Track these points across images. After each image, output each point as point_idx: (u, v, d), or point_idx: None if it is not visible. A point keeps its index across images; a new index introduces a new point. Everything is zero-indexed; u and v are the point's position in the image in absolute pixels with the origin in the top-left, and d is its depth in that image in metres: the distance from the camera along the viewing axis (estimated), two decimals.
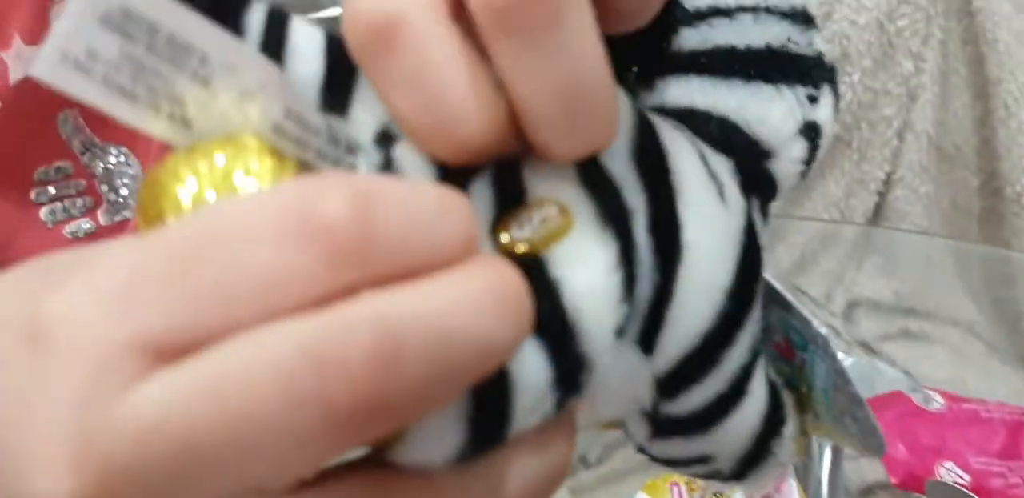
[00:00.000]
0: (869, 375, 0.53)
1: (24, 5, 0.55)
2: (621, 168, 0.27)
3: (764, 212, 0.32)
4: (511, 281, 0.22)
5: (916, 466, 0.58)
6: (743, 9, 0.31)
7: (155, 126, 0.23)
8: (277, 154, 0.24)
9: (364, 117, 0.27)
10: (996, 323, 0.97)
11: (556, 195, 0.26)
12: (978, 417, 0.48)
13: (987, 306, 0.97)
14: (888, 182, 0.98)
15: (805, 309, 0.34)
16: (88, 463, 0.20)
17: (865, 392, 0.46)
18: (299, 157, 0.24)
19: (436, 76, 0.24)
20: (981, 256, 0.94)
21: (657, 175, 0.28)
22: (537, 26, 0.23)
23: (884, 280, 0.98)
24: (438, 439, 0.24)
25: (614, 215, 0.26)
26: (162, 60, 0.22)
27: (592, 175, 0.27)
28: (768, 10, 0.31)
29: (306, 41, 0.27)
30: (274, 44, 0.27)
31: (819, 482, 0.54)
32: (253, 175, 0.23)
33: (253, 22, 0.27)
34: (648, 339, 0.28)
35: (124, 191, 0.63)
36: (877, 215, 1.00)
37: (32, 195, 0.60)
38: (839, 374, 0.33)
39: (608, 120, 0.25)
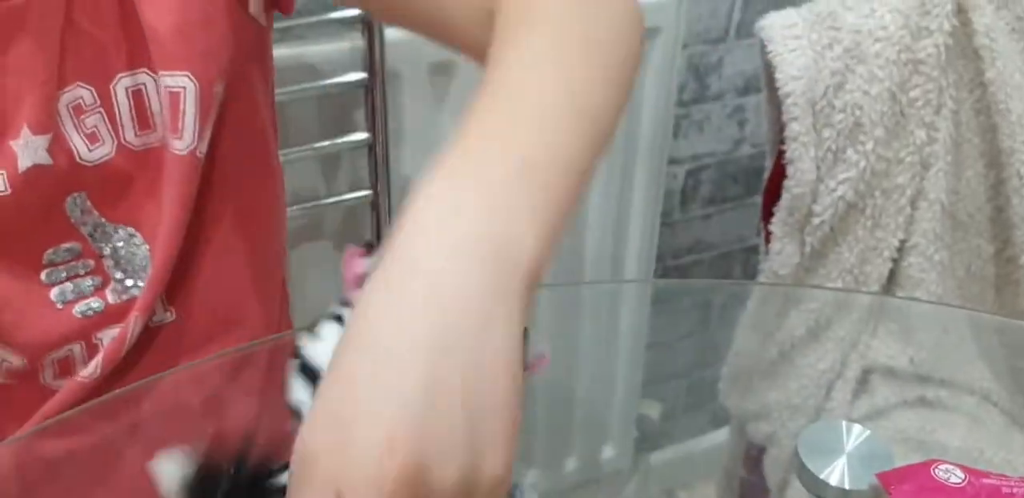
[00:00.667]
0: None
1: (32, 96, 0.57)
2: None
3: None
4: None
5: None
6: None
7: None
8: None
9: None
10: (1013, 392, 0.97)
11: None
12: (999, 493, 0.47)
13: (1004, 374, 0.96)
14: (902, 249, 0.98)
15: None
16: None
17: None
18: None
19: None
20: (997, 325, 0.94)
21: None
22: None
23: (899, 347, 0.98)
24: None
25: None
26: None
27: None
28: None
29: None
30: None
31: None
32: None
33: None
34: None
35: (131, 271, 0.63)
36: (891, 282, 1.00)
37: (42, 276, 0.61)
38: None
39: None
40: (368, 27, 0.94)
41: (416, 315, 0.37)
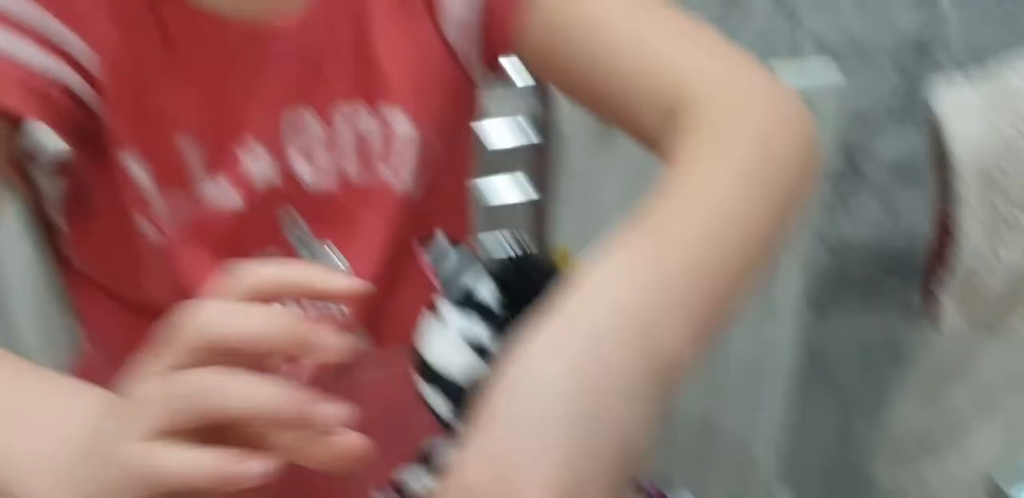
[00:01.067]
0: None
1: (262, 113, 0.62)
2: None
3: None
4: None
5: None
6: None
7: None
8: None
9: None
10: None
11: None
12: None
13: None
14: None
15: None
16: None
17: None
18: None
19: None
20: None
21: None
22: None
23: None
24: None
25: None
26: None
27: None
28: None
29: None
30: None
31: None
32: None
33: None
34: None
35: None
36: None
37: None
38: None
39: None
40: (544, 94, 1.00)
41: (572, 374, 0.38)
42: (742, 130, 0.53)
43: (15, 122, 0.57)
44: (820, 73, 1.06)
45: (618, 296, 0.40)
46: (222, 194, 0.63)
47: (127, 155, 0.61)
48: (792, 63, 1.11)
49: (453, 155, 0.71)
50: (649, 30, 0.60)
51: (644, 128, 0.59)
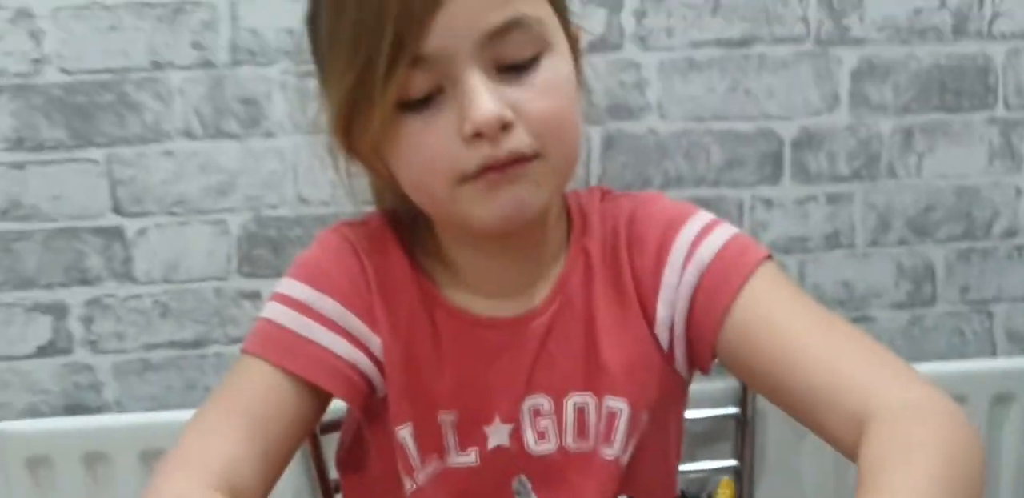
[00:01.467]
0: None
1: (506, 396, 0.78)
2: None
3: None
4: None
5: None
6: None
7: None
8: None
9: None
10: None
11: None
12: None
13: None
14: None
15: None
16: None
17: None
18: None
19: None
20: None
21: None
22: None
23: None
24: None
25: None
26: None
27: None
28: None
29: None
30: None
31: None
32: None
33: None
34: None
35: None
36: None
37: None
38: None
39: None
40: None
41: None
42: (929, 443, 0.61)
43: (326, 398, 0.75)
44: None
45: None
46: (464, 454, 0.78)
47: (402, 428, 0.77)
48: None
49: (664, 429, 0.83)
50: (836, 346, 0.70)
51: (832, 432, 0.67)
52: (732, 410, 1.13)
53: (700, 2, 1.13)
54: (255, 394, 0.74)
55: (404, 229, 0.80)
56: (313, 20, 0.73)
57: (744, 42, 1.15)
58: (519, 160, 0.67)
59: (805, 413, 0.71)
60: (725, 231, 0.75)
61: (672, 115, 1.15)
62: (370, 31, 0.66)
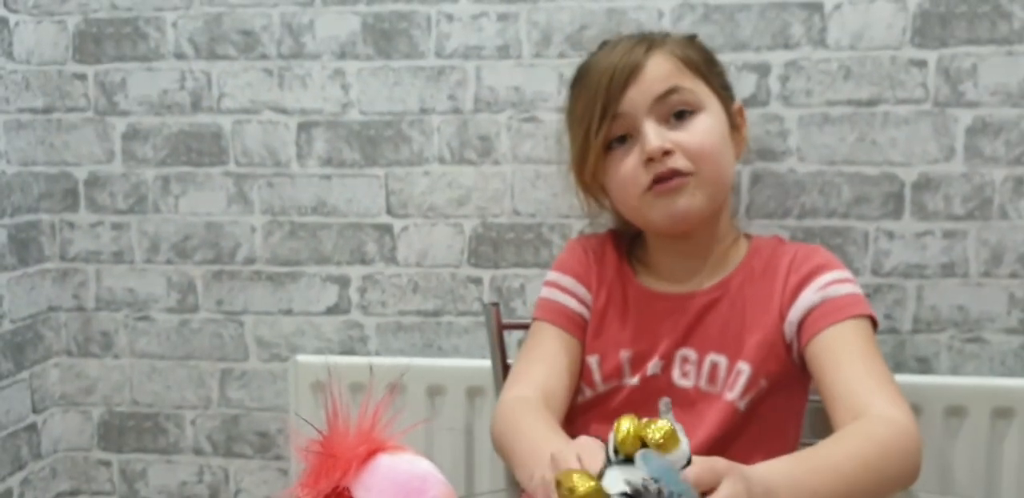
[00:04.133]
0: None
1: (664, 347, 1.14)
2: None
3: None
4: None
5: None
6: None
7: None
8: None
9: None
10: None
11: None
12: None
13: None
14: None
15: None
16: None
17: None
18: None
19: None
20: None
21: None
22: None
23: None
24: None
25: None
26: None
27: None
28: None
29: None
30: None
31: None
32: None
33: None
34: None
35: None
36: None
37: None
38: None
39: None
40: None
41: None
42: (874, 437, 0.93)
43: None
44: None
45: (773, 478, 0.80)
46: (632, 377, 1.13)
47: (591, 357, 1.15)
48: None
49: (787, 397, 1.12)
50: (862, 373, 1.01)
51: (836, 423, 0.99)
52: None
53: (835, 69, 1.40)
54: (541, 338, 1.17)
55: (623, 240, 1.20)
56: (566, 114, 1.19)
57: (871, 103, 1.40)
58: (677, 175, 1.05)
59: (828, 401, 1.03)
60: (852, 287, 1.09)
61: (809, 158, 1.42)
62: (591, 102, 1.10)
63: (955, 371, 1.43)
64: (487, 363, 1.38)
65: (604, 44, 1.19)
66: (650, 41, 1.11)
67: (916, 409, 1.34)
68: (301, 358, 1.52)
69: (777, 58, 1.41)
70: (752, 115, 1.41)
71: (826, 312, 1.07)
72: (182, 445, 1.64)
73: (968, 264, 1.41)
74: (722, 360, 1.11)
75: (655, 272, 1.18)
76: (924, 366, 1.43)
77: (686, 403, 1.11)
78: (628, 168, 1.09)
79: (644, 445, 0.69)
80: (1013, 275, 1.40)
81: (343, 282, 1.56)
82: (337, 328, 1.57)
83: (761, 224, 1.43)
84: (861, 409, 0.97)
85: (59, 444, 1.67)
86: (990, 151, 1.38)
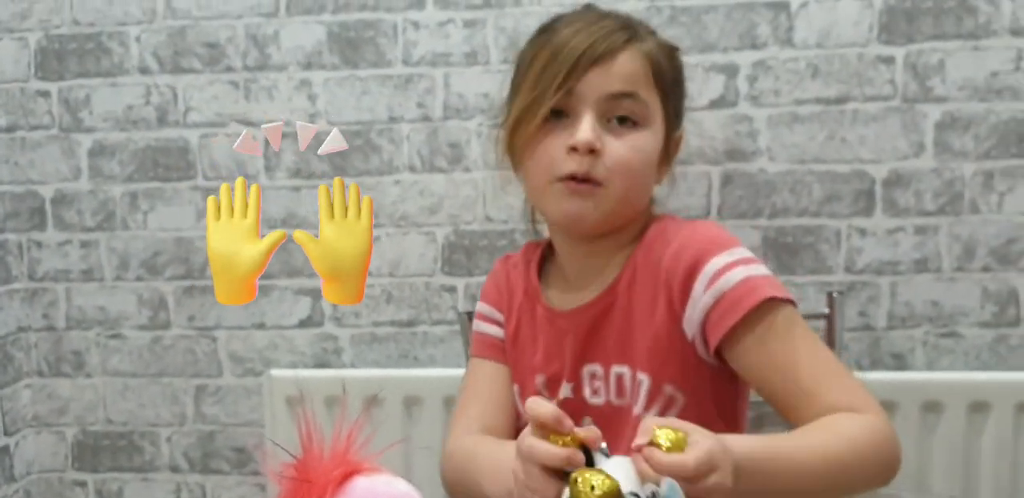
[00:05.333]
0: None
1: (569, 368, 1.11)
2: None
3: None
4: None
5: None
6: None
7: None
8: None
9: None
10: None
11: None
12: None
13: None
14: None
15: None
16: None
17: None
18: None
19: None
20: None
21: None
22: None
23: None
24: None
25: None
26: None
27: None
28: None
29: None
30: None
31: None
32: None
33: None
34: None
35: None
36: None
37: None
38: None
39: None
40: None
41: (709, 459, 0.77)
42: (843, 431, 0.92)
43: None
44: None
45: (743, 451, 0.80)
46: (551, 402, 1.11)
47: (514, 387, 1.14)
48: None
49: (699, 403, 1.06)
50: (819, 376, 0.97)
51: (796, 416, 0.97)
52: None
53: (802, 67, 1.41)
54: (475, 376, 1.18)
55: (541, 252, 1.18)
56: (519, 56, 1.12)
57: (840, 100, 1.40)
58: (589, 181, 1.02)
59: (782, 405, 0.99)
60: (745, 270, 1.00)
61: (779, 158, 1.42)
62: (552, 68, 1.04)
63: (930, 366, 1.43)
64: (464, 372, 1.37)
65: (589, 7, 1.14)
66: (634, 31, 1.06)
67: (892, 405, 1.35)
68: (275, 372, 1.50)
69: (745, 58, 1.41)
70: (721, 116, 1.41)
71: (725, 311, 0.99)
72: (158, 463, 1.62)
73: (941, 259, 1.41)
74: (625, 371, 1.07)
75: (561, 284, 1.15)
76: (899, 362, 1.44)
77: (601, 421, 1.06)
78: (551, 149, 1.04)
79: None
80: (986, 269, 1.41)
81: (315, 294, 1.55)
82: (311, 341, 1.56)
83: (733, 224, 1.43)
84: (830, 409, 0.94)
85: (32, 466, 1.65)
86: (959, 146, 1.39)
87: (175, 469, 1.62)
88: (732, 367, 1.03)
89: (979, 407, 1.35)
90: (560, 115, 1.05)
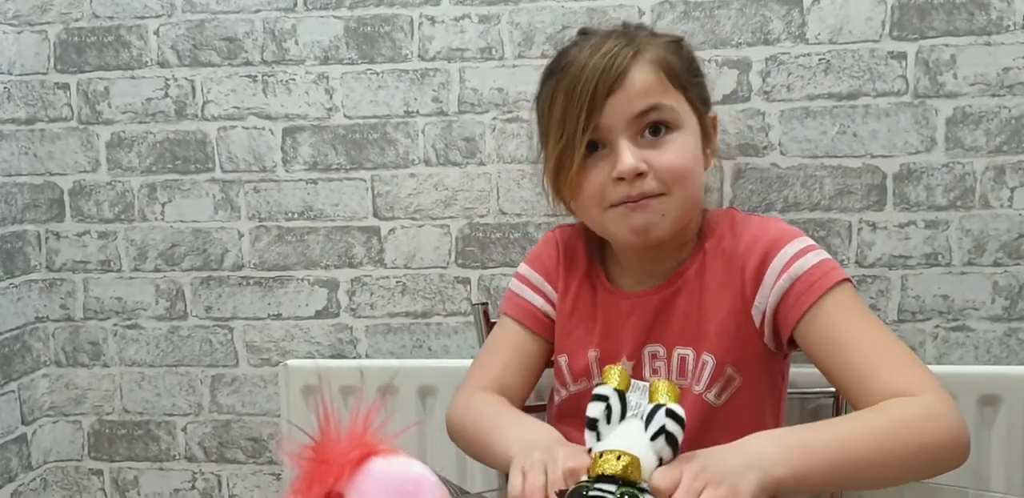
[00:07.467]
0: None
1: (629, 345, 1.14)
2: None
3: None
4: None
5: None
6: None
7: None
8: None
9: None
10: None
11: None
12: None
13: None
14: None
15: None
16: None
17: None
18: None
19: None
20: None
21: None
22: None
23: None
24: None
25: None
26: None
27: None
28: None
29: None
30: None
31: None
32: None
33: None
34: None
35: None
36: None
37: None
38: None
39: None
40: None
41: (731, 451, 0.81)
42: (894, 414, 0.92)
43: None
44: None
45: (767, 447, 0.84)
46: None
47: (560, 357, 1.14)
48: None
49: (756, 385, 1.10)
50: (883, 354, 0.98)
51: (855, 394, 0.98)
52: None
53: (815, 63, 1.42)
54: (505, 335, 1.19)
55: (595, 237, 1.18)
56: (538, 102, 1.14)
57: (852, 96, 1.41)
58: (647, 197, 1.03)
59: (844, 386, 1.01)
60: (815, 255, 1.05)
61: (791, 152, 1.43)
62: (572, 108, 1.06)
63: (941, 360, 1.44)
64: None
65: (584, 34, 1.14)
66: (636, 44, 1.07)
67: None
68: (292, 362, 1.52)
69: (757, 54, 1.42)
70: (734, 111, 1.42)
71: (801, 292, 1.03)
72: (174, 452, 1.64)
73: (951, 253, 1.42)
74: (689, 353, 1.10)
75: (621, 269, 1.17)
76: None
77: None
78: (597, 182, 1.06)
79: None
80: (996, 263, 1.41)
81: (332, 285, 1.56)
82: (327, 331, 1.58)
83: None
84: (889, 394, 0.95)
85: (49, 455, 1.67)
86: (970, 141, 1.40)
87: (191, 458, 1.64)
88: (800, 346, 1.05)
89: (989, 400, 1.36)
90: (595, 147, 1.07)
